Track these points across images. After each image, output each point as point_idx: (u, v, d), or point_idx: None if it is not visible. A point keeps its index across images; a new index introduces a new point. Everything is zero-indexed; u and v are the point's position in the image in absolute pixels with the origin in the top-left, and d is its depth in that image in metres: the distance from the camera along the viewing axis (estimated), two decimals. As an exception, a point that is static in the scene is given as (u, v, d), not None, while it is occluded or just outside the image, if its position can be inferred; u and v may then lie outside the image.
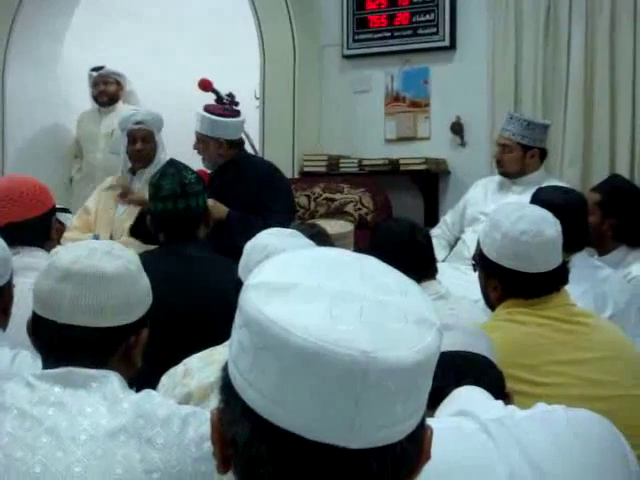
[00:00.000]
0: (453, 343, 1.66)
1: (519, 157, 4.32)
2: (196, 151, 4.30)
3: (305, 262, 0.90)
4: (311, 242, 2.13)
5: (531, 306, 2.23)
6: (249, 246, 2.11)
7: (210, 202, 4.02)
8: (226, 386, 0.88)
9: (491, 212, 2.42)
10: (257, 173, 4.24)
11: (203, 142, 4.27)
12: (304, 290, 0.84)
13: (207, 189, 4.12)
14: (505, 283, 2.27)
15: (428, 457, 0.90)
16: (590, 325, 2.25)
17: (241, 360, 0.86)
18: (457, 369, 1.62)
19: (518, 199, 4.10)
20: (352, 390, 0.80)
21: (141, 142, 4.26)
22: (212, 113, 4.27)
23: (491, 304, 2.35)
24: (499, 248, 2.24)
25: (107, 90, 5.87)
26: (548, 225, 2.23)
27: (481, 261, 2.34)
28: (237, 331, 0.88)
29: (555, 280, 2.26)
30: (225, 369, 0.89)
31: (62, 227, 4.09)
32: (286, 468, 0.83)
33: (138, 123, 4.27)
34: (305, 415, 0.81)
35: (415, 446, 0.87)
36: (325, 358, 0.79)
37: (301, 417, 0.81)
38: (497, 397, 1.63)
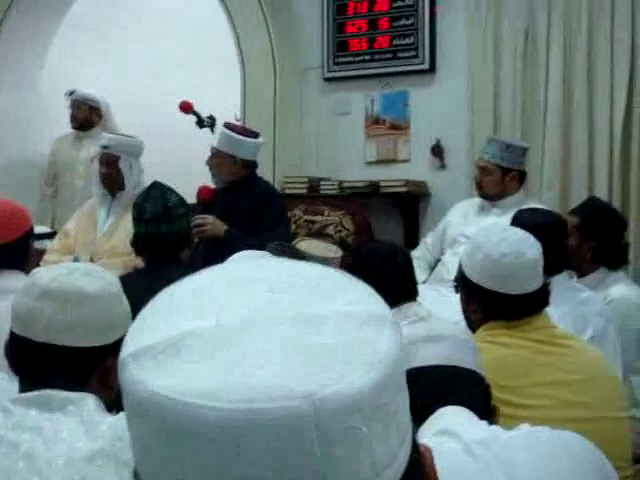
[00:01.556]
0: (439, 356, 1.66)
1: (499, 179, 4.34)
2: (208, 167, 4.26)
3: (192, 297, 0.67)
4: None
5: (513, 328, 2.23)
6: None
7: (210, 219, 4.03)
8: None
9: (472, 234, 2.43)
10: (258, 195, 4.23)
11: (218, 158, 4.23)
12: (201, 337, 0.62)
13: (210, 205, 4.12)
14: (486, 305, 2.27)
15: None
16: (571, 347, 2.26)
17: (151, 465, 0.63)
18: (443, 386, 1.62)
19: (498, 221, 4.10)
20: (310, 454, 0.60)
21: (105, 167, 4.26)
22: (232, 130, 4.26)
23: (472, 326, 2.35)
24: (480, 270, 2.25)
25: (77, 115, 5.84)
26: (529, 247, 2.23)
27: (462, 283, 2.35)
28: (131, 429, 0.64)
29: (536, 302, 2.26)
30: (135, 473, 0.67)
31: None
32: None
33: (104, 147, 4.28)
34: None
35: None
36: (263, 423, 0.59)
37: None
38: (483, 412, 1.62)
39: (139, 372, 0.61)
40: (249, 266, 0.70)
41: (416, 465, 0.68)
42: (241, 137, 4.25)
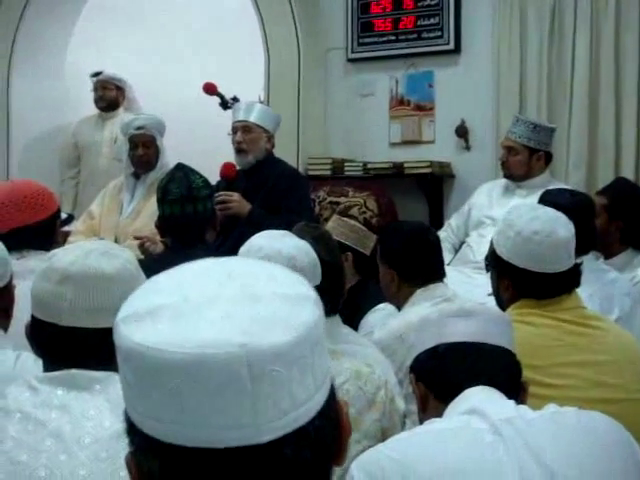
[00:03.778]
0: (471, 332, 1.66)
1: (525, 160, 4.31)
2: (237, 144, 4.15)
3: (169, 281, 0.89)
4: (306, 243, 2.11)
5: (542, 307, 2.22)
6: (244, 250, 2.09)
7: (235, 196, 3.98)
8: (129, 428, 0.88)
9: (505, 212, 2.42)
10: (282, 176, 4.17)
11: (252, 133, 4.15)
12: (171, 308, 0.83)
13: (233, 184, 4.07)
14: (517, 283, 2.27)
15: (349, 430, 0.91)
16: (601, 328, 2.25)
17: (132, 396, 0.86)
18: (472, 364, 1.62)
19: (523, 202, 4.09)
20: (243, 388, 0.79)
21: (142, 147, 4.25)
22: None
23: (502, 304, 2.34)
24: (512, 247, 2.24)
25: (105, 95, 5.84)
26: (561, 226, 2.23)
27: (493, 261, 2.34)
28: (120, 370, 0.87)
29: (567, 282, 2.26)
30: (125, 412, 0.89)
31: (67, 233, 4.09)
32: None
33: (139, 128, 4.26)
34: (208, 427, 0.80)
35: (330, 422, 0.87)
36: (206, 365, 0.79)
37: (205, 430, 0.80)
38: (512, 389, 1.62)
39: (125, 329, 0.84)
40: (218, 260, 0.92)
41: (330, 409, 0.87)
42: (272, 112, 4.21)
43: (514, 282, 2.27)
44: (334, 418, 0.88)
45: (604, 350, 2.18)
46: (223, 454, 0.81)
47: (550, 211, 2.30)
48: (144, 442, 0.84)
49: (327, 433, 0.86)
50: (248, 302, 0.83)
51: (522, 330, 2.16)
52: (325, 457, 0.87)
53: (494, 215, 4.34)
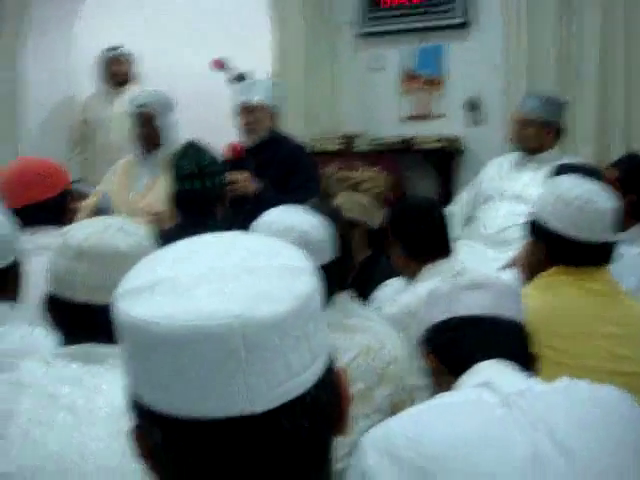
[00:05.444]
0: (482, 305, 1.66)
1: (538, 133, 4.29)
2: (244, 124, 4.12)
3: (168, 257, 0.90)
4: (319, 219, 2.11)
5: (572, 275, 2.23)
6: (257, 225, 2.09)
7: (243, 176, 3.97)
8: (131, 401, 0.89)
9: (551, 178, 2.44)
10: (289, 152, 4.15)
11: (259, 112, 4.12)
12: (168, 283, 0.84)
13: (241, 164, 4.05)
14: (550, 247, 2.28)
15: (349, 400, 0.91)
16: (627, 303, 2.26)
17: (132, 369, 0.87)
18: (484, 337, 1.63)
19: (533, 176, 4.07)
20: (238, 357, 0.80)
21: (143, 126, 4.24)
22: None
23: (532, 270, 2.35)
24: (551, 210, 2.26)
25: (121, 70, 5.84)
26: (601, 197, 2.24)
27: (532, 225, 2.36)
28: (120, 345, 0.88)
29: (599, 254, 2.26)
30: (127, 386, 0.90)
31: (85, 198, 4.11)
32: (205, 454, 0.83)
33: (140, 106, 4.25)
34: (206, 399, 0.81)
35: (328, 392, 0.87)
36: (202, 336, 0.80)
37: (203, 401, 0.81)
38: (523, 360, 1.63)
39: (123, 304, 0.85)
40: (215, 235, 0.93)
41: (328, 379, 0.87)
42: (283, 87, 4.17)
43: (548, 246, 2.28)
44: (333, 388, 0.88)
45: (629, 323, 2.19)
46: (220, 425, 0.81)
47: (595, 183, 2.31)
48: (146, 415, 0.85)
49: (325, 402, 0.86)
50: (244, 274, 0.84)
51: (548, 298, 2.18)
52: (324, 427, 0.87)
53: (504, 189, 4.33)
